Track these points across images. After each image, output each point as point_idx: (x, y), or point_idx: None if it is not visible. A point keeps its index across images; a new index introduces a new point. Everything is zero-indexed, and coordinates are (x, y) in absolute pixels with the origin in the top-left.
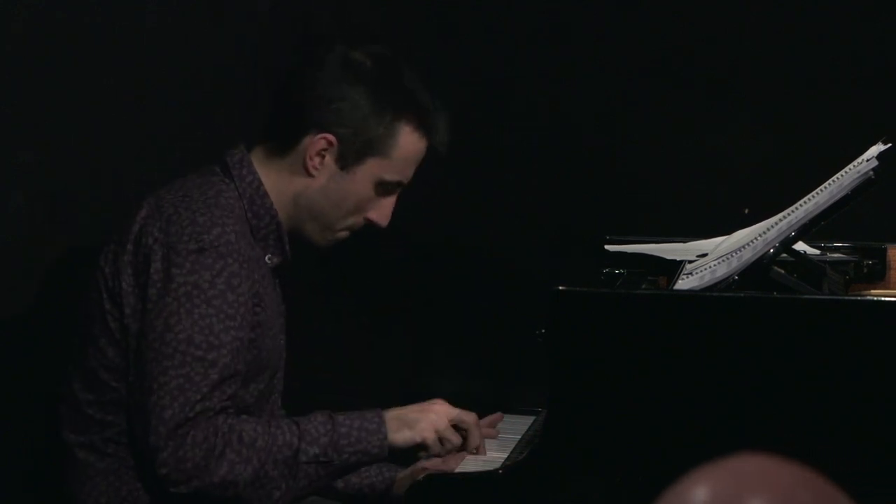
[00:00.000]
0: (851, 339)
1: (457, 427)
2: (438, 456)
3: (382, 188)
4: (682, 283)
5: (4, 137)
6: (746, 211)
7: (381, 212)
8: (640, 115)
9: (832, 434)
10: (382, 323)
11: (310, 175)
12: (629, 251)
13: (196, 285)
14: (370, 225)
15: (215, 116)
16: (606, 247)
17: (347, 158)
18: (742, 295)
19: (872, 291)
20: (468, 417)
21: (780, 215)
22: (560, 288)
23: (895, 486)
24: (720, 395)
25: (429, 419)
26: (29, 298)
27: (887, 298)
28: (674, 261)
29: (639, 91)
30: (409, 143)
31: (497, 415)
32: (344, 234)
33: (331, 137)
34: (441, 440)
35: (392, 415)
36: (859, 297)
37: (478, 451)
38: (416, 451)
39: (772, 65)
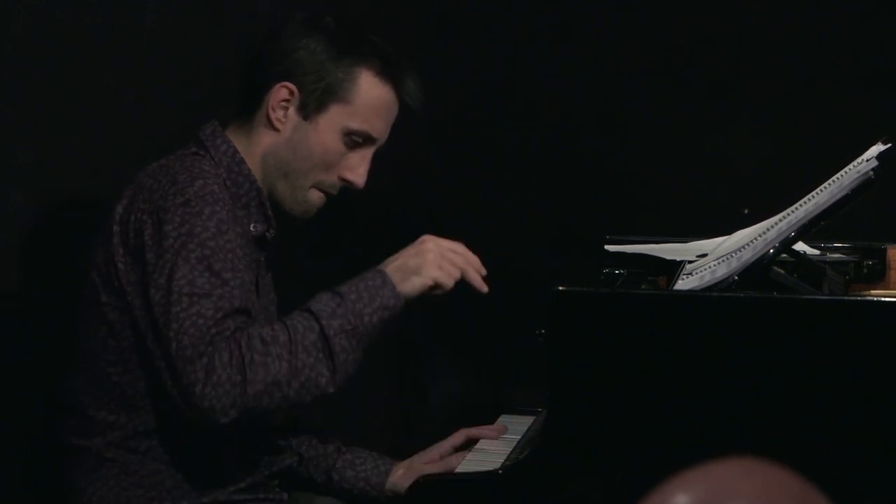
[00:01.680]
0: (851, 339)
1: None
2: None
3: (350, 140)
4: (682, 284)
5: (4, 137)
6: (746, 211)
7: (355, 170)
8: (640, 115)
9: (832, 434)
10: None
11: (275, 129)
12: (629, 251)
13: (188, 234)
14: (347, 186)
15: (215, 116)
16: (606, 247)
17: (309, 107)
18: (742, 295)
19: (872, 291)
20: (458, 248)
21: (780, 215)
22: (560, 288)
23: (895, 487)
24: (720, 396)
25: (428, 259)
26: (29, 298)
27: (887, 298)
28: (674, 261)
29: (639, 91)
30: (370, 88)
31: (501, 426)
32: (317, 194)
33: (290, 86)
34: (445, 270)
35: (392, 267)
36: (859, 297)
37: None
38: (429, 292)
39: (772, 65)
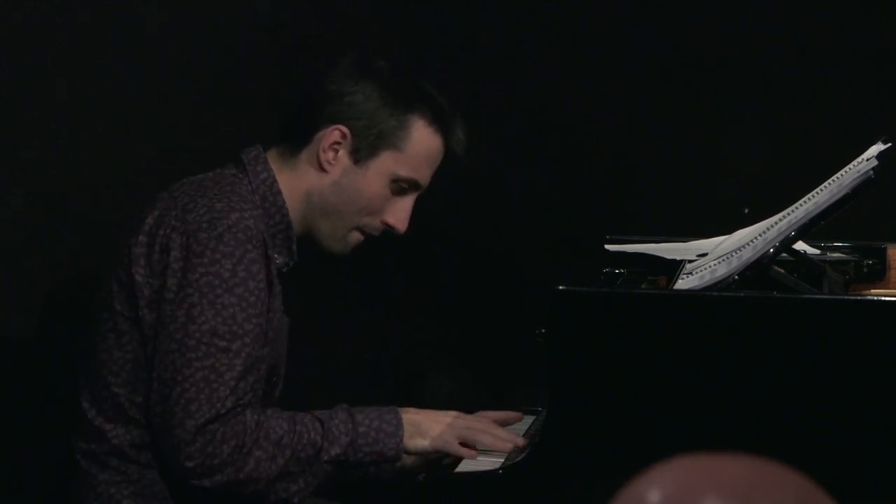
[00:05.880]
0: (851, 339)
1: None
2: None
3: (397, 186)
4: (682, 283)
5: (6, 136)
6: (746, 211)
7: (398, 215)
8: (641, 115)
9: (832, 434)
10: (382, 323)
11: (323, 170)
12: (629, 251)
13: (217, 274)
14: (388, 230)
15: (215, 116)
16: (606, 247)
17: (361, 151)
18: (742, 295)
19: (872, 291)
20: (479, 424)
21: (780, 215)
22: (560, 288)
23: (894, 487)
24: (720, 395)
25: (441, 430)
26: (29, 298)
27: (887, 298)
28: (674, 261)
29: (639, 91)
30: (422, 137)
31: (517, 414)
32: (357, 235)
33: (344, 129)
34: (462, 440)
35: (409, 419)
36: (859, 297)
37: (503, 447)
38: (431, 455)
39: (772, 65)
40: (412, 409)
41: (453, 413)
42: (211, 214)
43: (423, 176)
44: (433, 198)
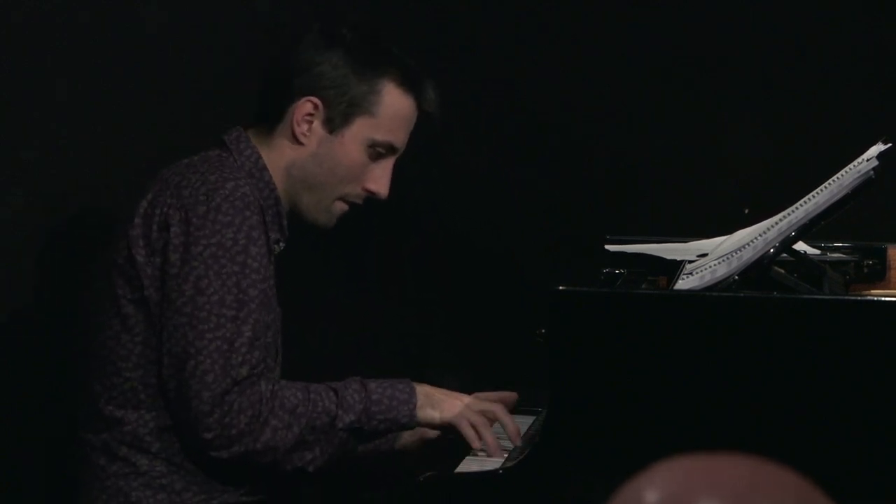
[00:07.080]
0: (851, 339)
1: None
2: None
3: (374, 151)
4: (682, 283)
5: (6, 136)
6: (746, 211)
7: (379, 181)
8: (641, 115)
9: (832, 434)
10: (382, 323)
11: (299, 143)
12: (629, 251)
13: (220, 245)
14: (371, 196)
15: (215, 116)
16: (606, 247)
17: (335, 120)
18: (742, 295)
19: (872, 291)
20: (494, 408)
21: (780, 215)
22: (560, 288)
23: (894, 487)
24: (720, 396)
25: (454, 404)
26: (29, 298)
27: (887, 298)
28: (674, 261)
29: (639, 91)
30: (394, 99)
31: (512, 394)
32: (341, 205)
33: (315, 100)
34: (473, 426)
35: (421, 390)
36: (859, 297)
37: (512, 439)
38: (449, 435)
39: (772, 65)
40: (424, 384)
41: (462, 394)
42: (206, 187)
43: (399, 138)
44: (433, 198)
